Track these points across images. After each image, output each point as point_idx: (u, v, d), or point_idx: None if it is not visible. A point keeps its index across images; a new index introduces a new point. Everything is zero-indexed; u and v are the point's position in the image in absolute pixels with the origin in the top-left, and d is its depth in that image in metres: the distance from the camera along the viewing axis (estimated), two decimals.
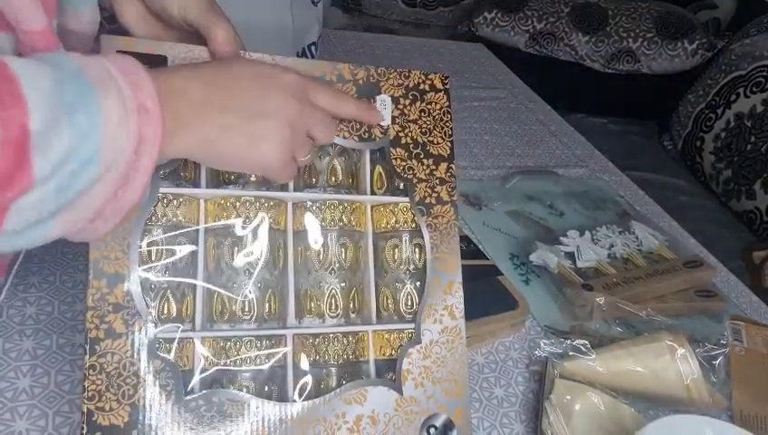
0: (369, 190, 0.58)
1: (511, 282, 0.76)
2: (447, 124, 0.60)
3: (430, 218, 0.57)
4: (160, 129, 0.42)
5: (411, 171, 0.58)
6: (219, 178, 0.54)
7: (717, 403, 0.67)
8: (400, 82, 0.59)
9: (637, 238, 0.88)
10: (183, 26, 0.57)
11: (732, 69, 1.72)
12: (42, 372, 0.59)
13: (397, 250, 0.58)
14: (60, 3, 0.54)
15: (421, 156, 0.58)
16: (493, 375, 0.68)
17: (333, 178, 0.58)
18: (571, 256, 0.83)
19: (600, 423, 0.62)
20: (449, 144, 0.60)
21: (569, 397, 0.62)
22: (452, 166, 0.59)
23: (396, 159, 0.57)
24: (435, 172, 0.58)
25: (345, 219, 0.57)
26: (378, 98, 0.57)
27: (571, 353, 0.67)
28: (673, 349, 0.67)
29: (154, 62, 0.52)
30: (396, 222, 0.58)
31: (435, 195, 0.58)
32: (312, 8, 1.06)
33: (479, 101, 1.29)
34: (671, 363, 0.66)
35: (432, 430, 0.54)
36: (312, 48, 1.07)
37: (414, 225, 0.58)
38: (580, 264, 0.82)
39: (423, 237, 0.57)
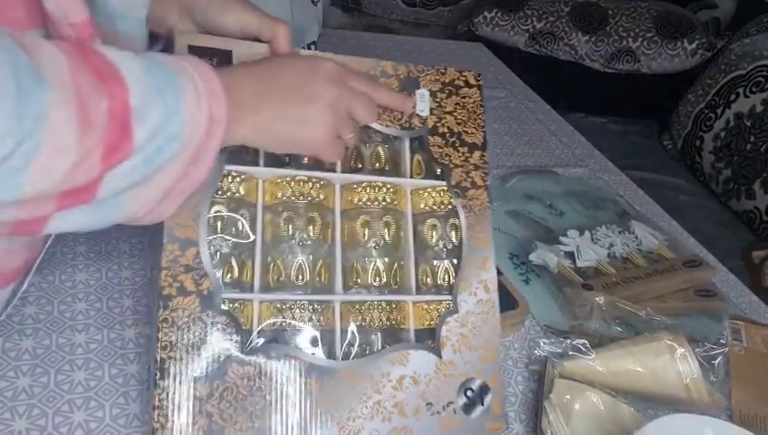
0: (408, 175, 0.63)
1: (511, 281, 0.76)
2: (480, 116, 0.66)
3: (466, 200, 0.63)
4: (226, 111, 0.48)
5: (448, 157, 0.63)
6: (276, 160, 0.59)
7: (717, 403, 0.67)
8: (437, 77, 0.65)
9: (636, 238, 0.88)
10: (240, 37, 0.63)
11: (731, 69, 1.72)
12: (41, 371, 0.59)
13: (435, 230, 0.63)
14: (113, 31, 0.56)
15: (456, 144, 0.64)
16: None
17: (378, 164, 0.64)
18: (570, 255, 0.83)
19: (599, 423, 0.62)
20: (482, 134, 0.65)
21: (568, 396, 0.62)
22: (485, 154, 0.65)
23: (434, 146, 0.63)
24: (469, 159, 0.64)
25: (388, 199, 0.62)
26: (417, 92, 0.64)
27: (570, 353, 0.67)
28: (672, 348, 0.67)
29: (221, 55, 0.59)
30: (433, 204, 0.63)
31: (469, 179, 0.63)
32: (311, 8, 1.06)
33: None
34: (671, 363, 0.66)
35: (469, 393, 0.58)
36: (312, 48, 1.07)
37: (450, 207, 0.63)
38: (579, 263, 0.82)
39: (459, 218, 0.62)
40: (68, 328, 0.63)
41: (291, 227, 0.58)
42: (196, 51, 0.58)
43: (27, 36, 0.42)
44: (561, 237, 0.85)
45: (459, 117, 0.65)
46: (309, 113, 0.54)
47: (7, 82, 0.37)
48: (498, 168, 1.06)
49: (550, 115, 1.30)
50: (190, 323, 0.51)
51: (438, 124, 0.64)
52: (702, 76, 1.84)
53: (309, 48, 1.07)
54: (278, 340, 0.55)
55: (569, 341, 0.68)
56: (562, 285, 0.78)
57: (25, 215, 0.43)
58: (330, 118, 0.55)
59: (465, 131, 0.64)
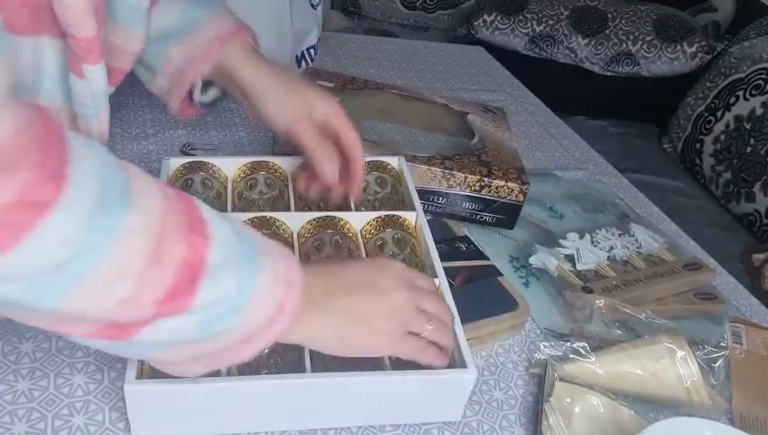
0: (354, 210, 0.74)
1: (511, 282, 0.76)
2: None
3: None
4: (299, 304, 0.48)
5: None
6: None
7: (717, 406, 0.67)
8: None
9: (636, 241, 0.88)
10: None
11: (731, 72, 1.72)
12: (41, 374, 0.59)
13: (384, 245, 0.71)
14: (113, 19, 0.56)
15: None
16: (492, 378, 0.68)
17: (322, 203, 0.76)
18: (570, 258, 0.83)
19: (599, 426, 0.62)
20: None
21: (569, 399, 0.62)
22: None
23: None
24: None
25: (338, 227, 0.71)
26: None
27: (570, 356, 0.67)
28: (673, 351, 0.67)
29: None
30: (377, 229, 0.72)
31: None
32: (311, 11, 1.06)
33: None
34: (671, 366, 0.66)
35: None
36: (312, 51, 1.07)
37: (394, 232, 0.72)
38: (579, 266, 0.82)
39: (402, 234, 0.72)
40: None
41: None
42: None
43: (134, 166, 0.42)
44: (560, 240, 0.85)
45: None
46: (375, 314, 0.53)
47: (89, 192, 0.37)
48: None
49: (549, 118, 1.30)
50: None
51: None
52: (702, 79, 1.85)
53: (308, 51, 1.07)
54: None
55: (569, 344, 0.68)
56: (562, 288, 0.78)
57: (59, 328, 0.42)
58: (395, 319, 0.54)
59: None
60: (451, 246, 0.78)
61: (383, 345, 0.54)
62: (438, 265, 0.67)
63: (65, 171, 0.36)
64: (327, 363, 0.56)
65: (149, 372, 0.52)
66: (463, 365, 0.57)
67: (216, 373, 0.51)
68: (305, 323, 0.49)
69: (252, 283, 0.45)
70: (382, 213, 0.72)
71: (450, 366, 0.58)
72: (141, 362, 0.52)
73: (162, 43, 0.69)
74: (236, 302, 0.44)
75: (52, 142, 0.36)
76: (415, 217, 0.73)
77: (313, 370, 0.55)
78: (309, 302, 0.49)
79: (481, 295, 0.71)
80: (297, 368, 0.56)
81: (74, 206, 0.36)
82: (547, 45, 2.05)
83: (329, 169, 0.67)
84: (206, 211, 0.45)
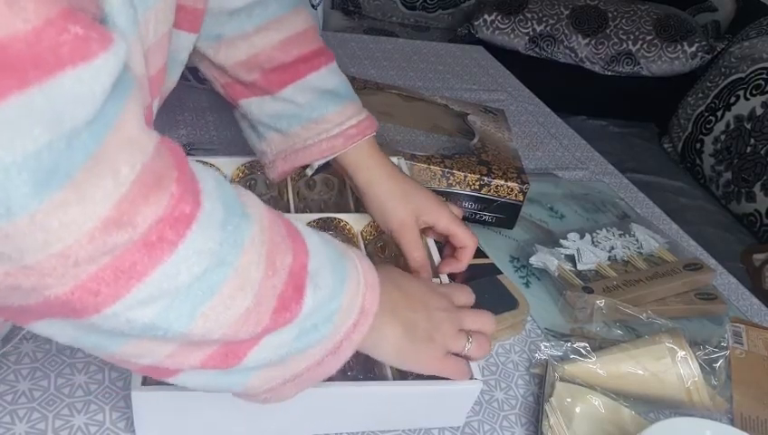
0: (353, 210, 0.75)
1: (510, 281, 0.76)
2: None
3: None
4: (376, 308, 0.48)
5: None
6: None
7: (718, 406, 0.67)
8: None
9: (637, 241, 0.88)
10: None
11: (731, 71, 1.72)
12: (41, 374, 0.59)
13: (386, 247, 0.70)
14: None
15: None
16: (493, 378, 0.68)
17: (322, 205, 0.78)
18: (571, 258, 0.83)
19: (600, 426, 0.62)
20: None
21: (569, 399, 0.62)
22: None
23: None
24: None
25: (340, 226, 0.71)
26: None
27: (571, 356, 0.67)
28: (673, 351, 0.67)
29: None
30: (378, 230, 0.72)
31: None
32: (311, 11, 1.06)
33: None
34: (672, 366, 0.66)
35: None
36: None
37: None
38: (580, 266, 0.82)
39: None
40: None
41: None
42: None
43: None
44: (561, 240, 0.85)
45: None
46: (428, 334, 0.54)
47: (217, 204, 0.38)
48: None
49: (550, 118, 1.30)
50: None
51: None
52: (702, 79, 1.85)
53: None
54: None
55: (569, 344, 0.68)
56: (563, 288, 0.78)
57: (170, 362, 0.41)
58: (439, 342, 0.54)
59: None
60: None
61: (428, 364, 0.55)
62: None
63: (197, 186, 0.38)
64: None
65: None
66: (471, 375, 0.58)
67: None
68: (374, 330, 0.49)
69: (341, 289, 0.46)
70: None
71: None
72: None
73: (281, 119, 0.68)
74: (330, 308, 0.45)
75: (182, 159, 0.38)
76: None
77: None
78: (380, 308, 0.49)
79: (480, 294, 0.70)
80: None
81: (209, 218, 0.37)
82: (547, 45, 2.05)
83: (425, 274, 0.68)
84: (294, 221, 0.46)
